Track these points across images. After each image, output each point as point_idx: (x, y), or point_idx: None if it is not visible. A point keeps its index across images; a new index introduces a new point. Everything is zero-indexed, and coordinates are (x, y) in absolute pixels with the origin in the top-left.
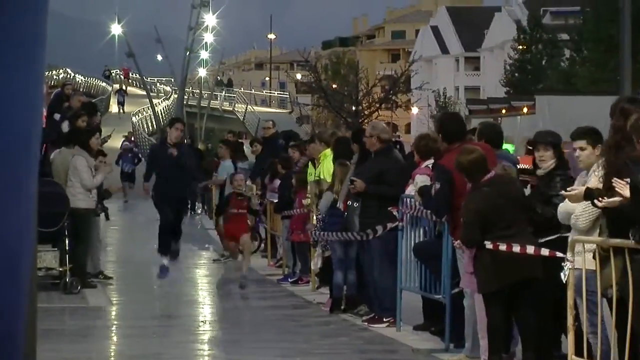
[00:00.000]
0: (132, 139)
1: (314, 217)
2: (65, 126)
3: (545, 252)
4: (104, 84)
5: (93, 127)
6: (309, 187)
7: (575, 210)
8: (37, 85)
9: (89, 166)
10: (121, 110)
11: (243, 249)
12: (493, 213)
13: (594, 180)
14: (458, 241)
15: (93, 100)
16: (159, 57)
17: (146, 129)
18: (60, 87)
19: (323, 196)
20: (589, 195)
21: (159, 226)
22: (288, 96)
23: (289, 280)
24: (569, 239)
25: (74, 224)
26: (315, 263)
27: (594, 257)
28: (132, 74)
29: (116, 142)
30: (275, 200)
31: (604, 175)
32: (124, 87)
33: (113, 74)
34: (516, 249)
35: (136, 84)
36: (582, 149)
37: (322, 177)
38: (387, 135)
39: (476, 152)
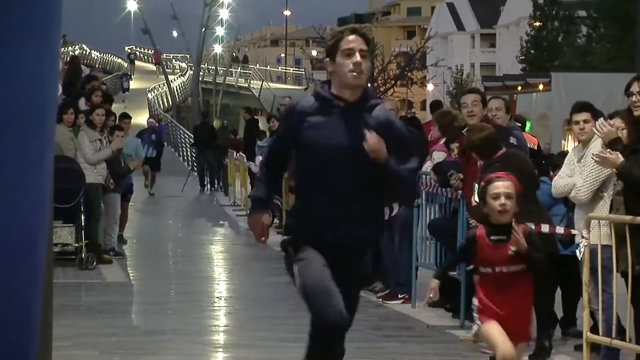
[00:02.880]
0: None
1: None
2: (82, 103)
3: (560, 230)
4: (119, 60)
5: (95, 104)
6: None
7: (576, 183)
8: (51, 62)
9: (92, 141)
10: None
11: None
12: None
13: (598, 147)
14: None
15: (108, 77)
16: (175, 34)
17: (161, 106)
18: (71, 62)
19: None
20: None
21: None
22: (303, 73)
23: None
24: (575, 216)
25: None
26: None
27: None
28: (163, 55)
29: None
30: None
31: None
32: (129, 73)
33: (138, 55)
34: (530, 226)
35: (150, 60)
36: (586, 121)
37: None
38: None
39: (487, 130)
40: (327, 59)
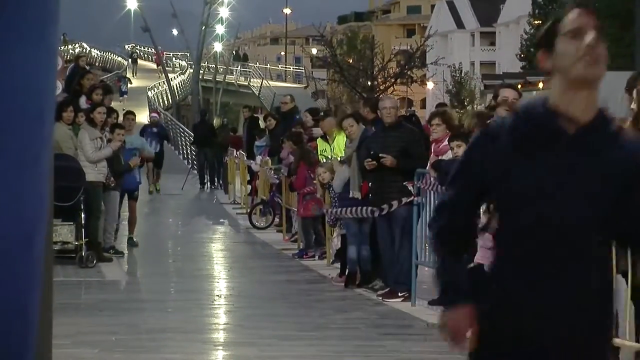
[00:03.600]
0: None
1: (329, 196)
2: (82, 102)
3: None
4: (120, 59)
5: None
6: (324, 166)
7: None
8: (49, 60)
9: (92, 139)
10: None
11: None
12: None
13: None
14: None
15: (107, 76)
16: (175, 32)
17: (162, 104)
18: (74, 60)
19: (336, 175)
20: None
21: None
22: (303, 71)
23: (304, 254)
24: None
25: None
26: (336, 244)
27: None
28: (164, 58)
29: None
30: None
31: None
32: (128, 75)
33: (140, 53)
34: None
35: (150, 59)
36: None
37: (335, 152)
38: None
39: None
40: (542, 52)
